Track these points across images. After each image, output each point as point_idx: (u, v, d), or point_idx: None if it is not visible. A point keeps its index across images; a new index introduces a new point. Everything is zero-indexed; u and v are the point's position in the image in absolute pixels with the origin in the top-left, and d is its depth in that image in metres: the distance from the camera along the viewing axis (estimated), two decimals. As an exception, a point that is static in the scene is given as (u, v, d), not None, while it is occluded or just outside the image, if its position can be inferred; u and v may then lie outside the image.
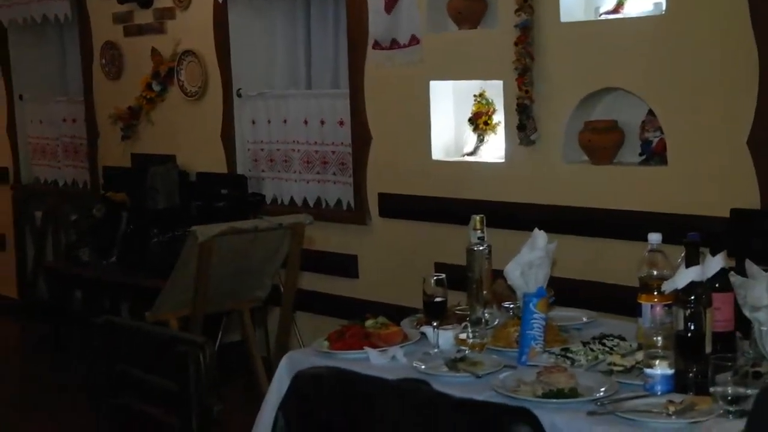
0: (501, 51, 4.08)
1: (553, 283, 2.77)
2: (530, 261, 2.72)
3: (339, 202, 5.06)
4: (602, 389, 2.24)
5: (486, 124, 4.39)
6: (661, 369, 2.20)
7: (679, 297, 2.28)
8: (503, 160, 4.24)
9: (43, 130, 6.87)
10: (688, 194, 3.63)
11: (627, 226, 3.74)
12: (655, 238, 2.51)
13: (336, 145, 5.03)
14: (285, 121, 5.26)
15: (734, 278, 2.32)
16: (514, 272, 2.73)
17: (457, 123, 4.54)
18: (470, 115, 4.45)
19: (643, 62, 3.73)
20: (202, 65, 5.52)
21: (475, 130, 4.45)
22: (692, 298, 2.26)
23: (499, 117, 4.32)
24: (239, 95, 5.43)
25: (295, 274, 3.86)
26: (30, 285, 6.77)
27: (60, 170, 6.76)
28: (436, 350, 2.61)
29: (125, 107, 6.00)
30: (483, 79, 4.35)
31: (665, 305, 2.37)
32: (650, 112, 3.82)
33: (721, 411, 2.07)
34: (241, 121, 5.47)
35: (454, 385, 2.27)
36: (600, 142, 3.91)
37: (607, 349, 2.51)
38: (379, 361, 2.54)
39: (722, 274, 2.33)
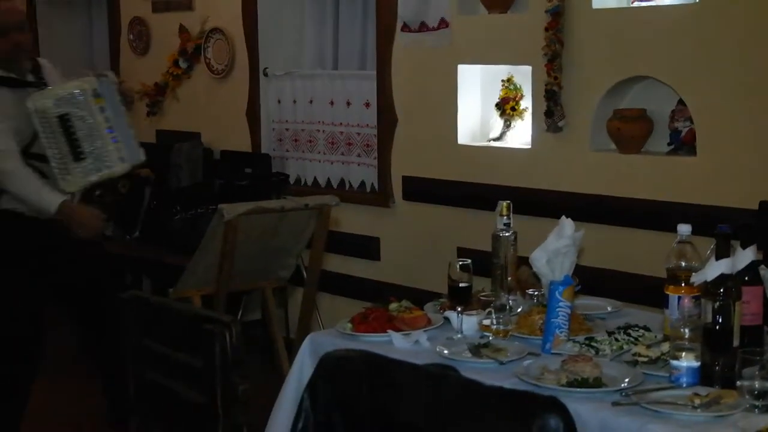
0: (531, 36, 4.04)
1: (579, 271, 2.74)
2: (557, 249, 2.70)
3: (363, 184, 5.05)
4: (627, 380, 2.22)
5: (513, 109, 4.37)
6: (687, 361, 2.19)
7: (708, 289, 2.26)
8: (529, 147, 4.22)
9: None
10: (716, 185, 3.60)
11: (654, 216, 3.71)
12: (684, 229, 2.49)
13: (361, 127, 5.02)
14: (311, 102, 5.24)
15: (764, 272, 2.30)
16: (540, 260, 2.71)
17: (484, 108, 4.52)
18: (497, 100, 4.42)
19: (674, 51, 3.69)
20: (230, 43, 5.51)
21: (501, 115, 4.43)
22: (721, 290, 2.23)
23: (526, 103, 4.29)
24: (266, 74, 5.42)
25: (319, 256, 3.85)
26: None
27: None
28: (459, 335, 2.60)
29: (151, 83, 6.01)
30: (511, 64, 4.31)
31: (693, 297, 2.35)
32: (680, 102, 3.78)
33: (747, 405, 2.06)
34: (267, 100, 5.46)
35: (478, 371, 2.26)
36: (628, 131, 3.88)
37: (632, 339, 2.50)
38: (402, 345, 2.54)
39: (752, 267, 2.31)
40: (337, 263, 4.99)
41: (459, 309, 2.64)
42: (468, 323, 2.64)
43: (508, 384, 2.17)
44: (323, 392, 1.84)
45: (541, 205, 3.98)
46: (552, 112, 4.01)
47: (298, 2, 5.42)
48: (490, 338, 2.56)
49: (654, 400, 2.09)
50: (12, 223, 3.69)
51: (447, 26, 4.44)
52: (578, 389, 2.17)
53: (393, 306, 2.73)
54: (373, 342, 2.55)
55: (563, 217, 2.77)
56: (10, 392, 3.78)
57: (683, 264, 2.45)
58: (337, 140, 5.14)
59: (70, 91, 3.66)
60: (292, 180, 5.32)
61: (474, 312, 2.70)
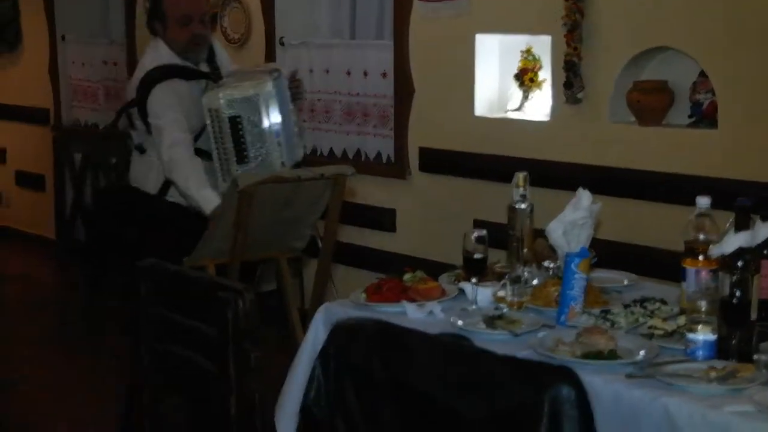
0: (550, 6, 3.99)
1: (596, 245, 2.72)
2: (573, 221, 2.68)
3: (379, 155, 5.03)
4: (642, 352, 2.21)
5: (532, 80, 4.32)
6: (703, 334, 2.17)
7: (726, 262, 2.24)
8: (548, 118, 4.18)
9: (85, 72, 6.88)
10: (737, 158, 3.55)
11: (673, 189, 3.67)
12: (703, 201, 2.46)
13: (378, 97, 4.98)
14: (327, 71, 5.21)
15: (784, 245, 2.27)
16: (556, 231, 2.69)
17: (502, 79, 4.47)
18: (516, 71, 4.38)
19: (696, 22, 3.63)
20: (246, 12, 5.48)
21: (520, 86, 4.39)
22: (740, 264, 2.21)
23: (545, 74, 4.25)
24: (282, 44, 5.39)
25: (334, 226, 3.83)
26: (68, 226, 6.83)
27: (100, 113, 6.78)
28: (474, 307, 2.59)
29: (168, 52, 5.98)
30: (531, 34, 4.27)
31: (711, 270, 2.33)
32: (702, 73, 3.73)
33: (764, 379, 2.04)
34: (283, 69, 5.41)
35: (492, 343, 2.25)
36: (648, 103, 3.84)
37: (648, 312, 2.48)
38: (416, 316, 2.53)
39: (771, 240, 2.28)
40: (353, 235, 4.97)
41: (474, 280, 2.62)
42: (483, 295, 2.63)
43: (522, 356, 2.15)
44: (335, 360, 1.84)
45: (559, 177, 3.95)
46: (571, 83, 3.97)
47: (315, -30, 5.38)
48: (505, 310, 2.54)
49: (669, 373, 2.08)
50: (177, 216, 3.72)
51: (465, -5, 4.39)
52: (592, 361, 2.16)
53: (407, 276, 2.72)
54: (386, 312, 2.54)
55: (580, 188, 2.75)
56: None
57: (701, 237, 2.43)
58: (354, 111, 5.11)
59: (245, 94, 3.69)
60: (307, 150, 5.29)
61: (489, 283, 2.69)
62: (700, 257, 2.40)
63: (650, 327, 2.35)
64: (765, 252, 2.26)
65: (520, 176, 2.85)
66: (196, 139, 3.74)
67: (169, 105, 3.68)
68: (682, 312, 2.41)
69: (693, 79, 3.79)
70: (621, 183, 3.85)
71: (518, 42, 4.35)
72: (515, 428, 1.62)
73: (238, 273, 3.62)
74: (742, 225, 2.26)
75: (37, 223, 7.19)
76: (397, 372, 1.75)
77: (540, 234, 2.80)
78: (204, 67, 3.86)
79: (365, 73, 5.02)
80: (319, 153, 5.29)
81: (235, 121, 3.66)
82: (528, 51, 4.34)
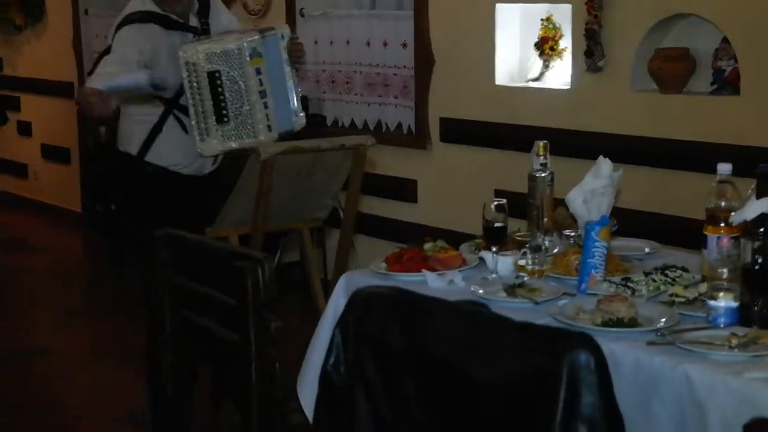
0: (571, -27, 3.96)
1: (617, 213, 2.71)
2: (594, 189, 2.67)
3: (399, 125, 5.02)
4: (663, 320, 2.20)
5: (552, 49, 4.30)
6: (725, 301, 2.16)
7: (748, 229, 2.22)
8: (569, 87, 4.16)
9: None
10: (760, 125, 3.52)
11: (695, 157, 3.65)
12: (725, 168, 2.43)
13: (398, 68, 4.97)
14: (347, 42, 5.20)
15: (806, 212, 2.25)
16: (576, 200, 2.68)
17: (523, 48, 4.45)
18: (536, 40, 4.35)
19: (719, -13, 3.59)
20: (266, -17, 5.47)
21: (540, 55, 4.36)
22: (762, 230, 2.19)
23: (566, 42, 4.22)
24: (302, 15, 5.37)
25: (355, 196, 3.84)
26: (93, 199, 6.87)
27: (125, 86, 6.78)
28: (494, 275, 2.59)
29: (188, 25, 5.98)
30: (551, 3, 4.23)
31: (732, 237, 2.31)
32: (724, 40, 3.69)
33: (786, 346, 2.03)
34: (304, 41, 5.38)
35: (512, 311, 2.24)
36: (670, 70, 3.80)
37: (669, 279, 2.47)
38: (436, 285, 2.53)
39: (794, 207, 2.26)
40: (375, 205, 4.98)
41: (494, 249, 2.62)
42: (503, 263, 2.63)
43: (542, 323, 2.16)
44: (353, 328, 1.84)
45: (580, 146, 3.93)
46: (592, 51, 3.94)
47: (334, -59, 5.36)
48: (525, 278, 2.54)
49: (690, 340, 2.07)
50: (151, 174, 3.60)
51: (485, -36, 4.36)
52: (613, 329, 2.15)
53: (428, 246, 2.72)
54: (407, 281, 2.54)
55: (600, 156, 2.73)
56: None
57: (723, 204, 2.41)
58: (374, 82, 5.10)
59: (225, 47, 3.46)
60: (329, 122, 5.30)
61: (509, 252, 2.69)
62: (722, 224, 2.38)
63: (671, 294, 2.34)
64: (787, 218, 2.25)
65: (540, 144, 2.83)
66: (178, 95, 3.54)
67: (129, 43, 3.46)
68: (703, 279, 2.39)
69: (715, 45, 3.75)
70: (643, 152, 3.83)
71: (538, 10, 4.32)
72: (533, 394, 1.62)
73: (261, 245, 3.64)
74: (763, 191, 2.24)
75: (63, 195, 7.26)
76: (416, 339, 1.76)
77: (561, 204, 2.79)
78: (194, 22, 3.64)
79: (385, 44, 5.01)
80: (340, 124, 5.29)
81: (213, 77, 3.43)
82: (548, 19, 4.31)
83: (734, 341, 2.05)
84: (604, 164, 2.70)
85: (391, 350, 1.75)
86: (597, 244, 2.47)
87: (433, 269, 2.60)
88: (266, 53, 3.53)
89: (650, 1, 3.80)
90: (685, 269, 2.52)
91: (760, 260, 2.18)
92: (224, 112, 3.46)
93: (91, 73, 3.77)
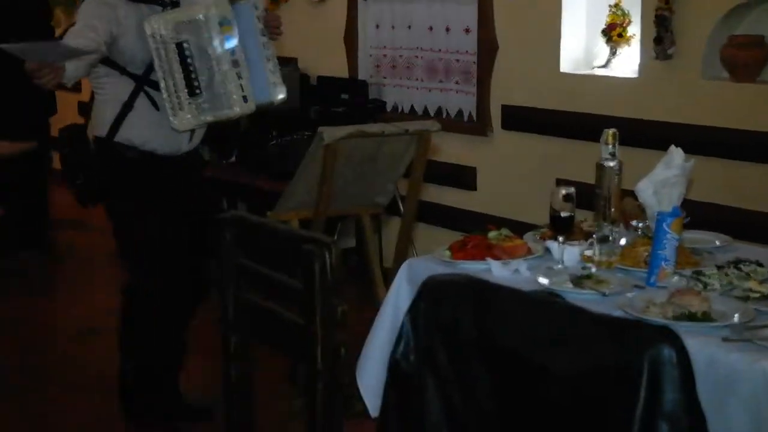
0: (642, -42, 3.87)
1: (687, 205, 2.64)
2: (665, 179, 2.60)
3: (460, 112, 4.97)
4: (737, 315, 2.13)
5: (620, 36, 4.21)
6: (804, 298, 2.08)
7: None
8: (637, 75, 4.07)
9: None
10: (837, 118, 3.41)
11: (768, 148, 3.55)
12: (803, 160, 2.36)
13: (460, 54, 4.91)
14: (409, 27, 5.15)
15: None
16: (646, 190, 2.62)
17: (589, 34, 4.36)
18: (603, 27, 4.26)
19: (797, -26, 3.48)
20: (328, -33, 5.44)
21: (607, 42, 4.27)
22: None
23: (634, 29, 4.13)
24: (364, -1, 5.35)
25: (418, 183, 3.79)
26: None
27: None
28: (560, 266, 2.53)
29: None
30: (620, -12, 4.15)
31: (812, 232, 2.23)
32: (801, 28, 3.59)
33: None
34: (365, 25, 5.38)
35: (580, 303, 2.18)
36: (743, 59, 3.71)
37: (743, 274, 2.39)
38: (501, 273, 2.48)
39: None
40: (433, 193, 4.94)
41: (560, 239, 2.57)
42: (569, 254, 2.57)
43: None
44: (425, 316, 1.81)
45: (648, 136, 3.84)
46: (662, 38, 3.85)
47: (398, -75, 5.30)
48: (593, 269, 2.48)
49: (767, 337, 2.00)
50: (129, 158, 3.43)
51: (553, -52, 4.28)
52: (686, 323, 2.09)
53: (492, 234, 2.68)
54: (471, 270, 2.50)
55: (672, 146, 2.66)
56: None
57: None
58: (436, 67, 5.05)
59: (192, 16, 3.30)
60: (389, 107, 5.26)
61: (576, 242, 2.63)
62: (800, 218, 2.30)
63: (746, 289, 2.27)
64: None
65: (609, 133, 2.77)
66: (149, 71, 3.37)
67: (94, 16, 3.27)
68: (780, 274, 2.32)
69: (791, 34, 3.64)
70: (714, 142, 3.74)
71: (607, -4, 4.24)
72: (610, 387, 1.57)
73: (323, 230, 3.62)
74: None
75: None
76: (489, 328, 1.72)
77: (628, 195, 2.73)
78: None
79: (447, 29, 4.95)
80: (400, 110, 5.25)
81: (182, 47, 3.27)
82: (617, 5, 4.23)
83: (814, 339, 1.97)
84: (677, 154, 2.64)
85: (463, 338, 1.72)
86: (668, 236, 2.41)
87: (497, 258, 2.56)
88: (238, 22, 3.37)
89: (724, -14, 3.70)
90: (759, 263, 2.45)
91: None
92: (195, 83, 3.31)
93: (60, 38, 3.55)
